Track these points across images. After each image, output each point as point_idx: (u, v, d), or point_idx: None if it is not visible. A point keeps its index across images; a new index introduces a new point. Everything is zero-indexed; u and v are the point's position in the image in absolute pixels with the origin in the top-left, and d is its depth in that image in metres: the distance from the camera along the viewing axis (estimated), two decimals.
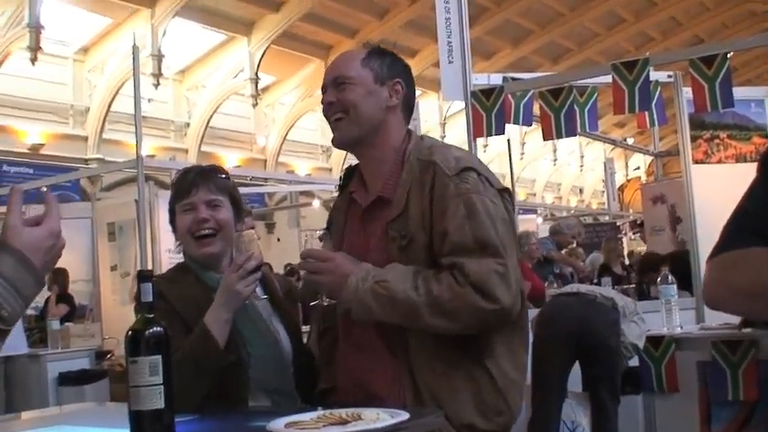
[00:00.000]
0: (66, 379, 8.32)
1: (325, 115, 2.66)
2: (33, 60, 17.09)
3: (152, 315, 1.97)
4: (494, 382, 2.42)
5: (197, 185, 2.81)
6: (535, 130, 20.66)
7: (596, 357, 5.85)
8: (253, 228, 3.12)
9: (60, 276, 10.03)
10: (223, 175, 2.92)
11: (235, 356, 2.58)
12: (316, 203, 17.21)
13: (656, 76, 6.39)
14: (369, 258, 2.52)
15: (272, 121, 25.03)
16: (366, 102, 2.58)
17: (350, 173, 2.76)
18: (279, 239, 21.52)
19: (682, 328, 5.69)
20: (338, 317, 2.60)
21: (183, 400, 2.17)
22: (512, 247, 2.46)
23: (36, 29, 16.79)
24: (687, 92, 6.01)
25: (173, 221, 2.89)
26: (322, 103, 2.67)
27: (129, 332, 1.95)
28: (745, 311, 2.19)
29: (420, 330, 2.40)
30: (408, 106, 2.69)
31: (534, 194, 33.80)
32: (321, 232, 2.66)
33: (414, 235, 2.44)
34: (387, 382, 2.47)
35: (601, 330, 6.08)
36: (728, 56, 5.35)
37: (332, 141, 2.67)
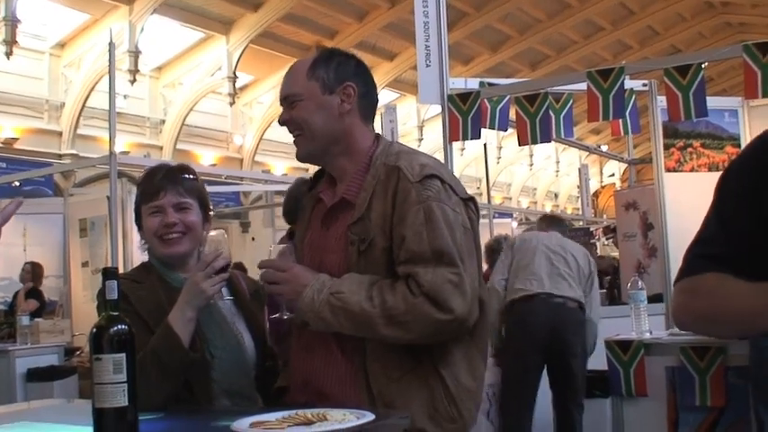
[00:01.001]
0: (35, 375, 8.28)
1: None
2: (9, 54, 17.00)
3: (117, 313, 1.96)
4: (447, 390, 2.40)
5: (165, 188, 2.78)
6: (512, 135, 20.71)
7: (562, 362, 5.88)
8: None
9: (37, 270, 9.99)
10: (191, 176, 2.88)
11: (199, 355, 2.56)
12: None
13: (631, 84, 6.43)
14: (327, 259, 2.51)
15: (249, 120, 24.98)
16: (317, 116, 2.53)
17: (320, 174, 2.73)
18: (253, 239, 21.46)
19: (651, 333, 5.72)
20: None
21: (148, 399, 2.16)
22: (471, 256, 2.43)
23: (12, 22, 16.71)
24: (662, 101, 6.06)
25: (138, 221, 2.86)
26: (278, 121, 2.66)
27: (94, 329, 1.94)
28: (709, 334, 2.28)
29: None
30: (368, 105, 2.62)
31: (510, 198, 33.96)
32: (284, 245, 2.61)
33: (373, 239, 2.41)
34: (338, 383, 2.45)
35: (568, 336, 6.12)
36: (703, 66, 5.39)
37: (295, 156, 2.64)
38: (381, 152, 2.55)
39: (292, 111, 2.56)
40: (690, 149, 6.90)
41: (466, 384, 2.44)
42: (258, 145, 24.79)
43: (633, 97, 6.85)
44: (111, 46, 8.22)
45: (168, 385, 2.48)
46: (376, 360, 2.40)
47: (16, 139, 18.68)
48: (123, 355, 1.90)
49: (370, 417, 2.03)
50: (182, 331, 2.51)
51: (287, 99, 2.59)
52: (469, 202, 2.53)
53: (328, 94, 2.54)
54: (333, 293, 2.38)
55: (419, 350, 2.39)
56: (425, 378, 2.40)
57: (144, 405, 2.00)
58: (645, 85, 7.02)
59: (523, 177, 35.88)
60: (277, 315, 2.55)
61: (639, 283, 5.66)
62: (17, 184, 13.45)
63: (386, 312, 2.32)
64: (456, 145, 6.26)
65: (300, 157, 2.63)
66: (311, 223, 2.66)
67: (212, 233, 2.68)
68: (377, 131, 2.68)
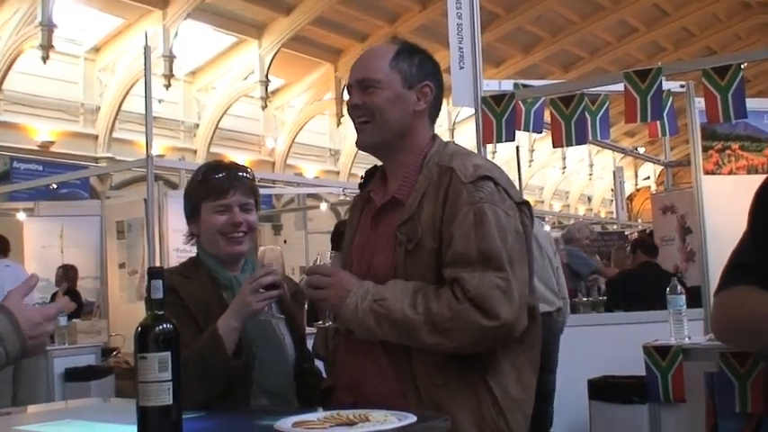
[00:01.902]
0: (72, 374, 8.35)
1: (349, 115, 2.58)
2: (45, 59, 17.15)
3: (162, 312, 1.96)
4: (495, 400, 2.35)
5: (234, 188, 2.80)
6: (544, 138, 20.68)
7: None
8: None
9: (69, 273, 10.07)
10: (250, 176, 2.91)
11: (242, 362, 2.56)
12: (323, 206, 17.24)
13: (668, 85, 6.38)
14: (376, 259, 2.48)
15: (281, 124, 25.09)
16: (393, 107, 2.49)
17: (372, 172, 2.70)
18: (285, 241, 21.54)
19: (690, 338, 5.66)
20: None
21: (188, 399, 2.17)
22: (521, 261, 2.37)
23: (48, 27, 16.86)
24: (699, 102, 6.00)
25: (194, 216, 2.86)
26: (347, 103, 2.59)
27: (139, 328, 1.94)
28: (739, 345, 2.31)
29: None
30: (436, 108, 2.60)
31: (542, 202, 33.80)
32: (333, 253, 2.59)
33: (421, 239, 2.37)
34: (384, 387, 2.43)
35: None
36: (742, 66, 5.33)
37: (356, 143, 2.60)
38: (435, 152, 2.51)
39: (366, 96, 2.51)
40: (728, 152, 6.82)
41: (514, 395, 2.39)
42: (290, 148, 24.88)
43: (670, 98, 6.80)
44: (147, 50, 8.27)
45: (209, 388, 2.48)
46: (422, 365, 2.36)
47: (52, 143, 18.85)
48: (168, 353, 1.91)
49: (411, 419, 2.02)
50: (227, 338, 2.51)
51: (362, 82, 2.52)
52: (524, 206, 2.46)
53: (407, 88, 2.51)
54: (376, 300, 2.34)
55: (466, 358, 2.33)
56: (472, 386, 2.35)
57: (184, 404, 2.00)
58: (682, 86, 6.96)
59: (556, 180, 35.71)
60: (320, 322, 2.54)
61: (678, 287, 5.62)
62: (54, 186, 13.58)
63: (430, 319, 2.28)
64: (488, 148, 6.21)
65: (361, 144, 2.58)
66: (361, 223, 2.63)
67: (270, 247, 2.70)
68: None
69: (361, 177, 2.74)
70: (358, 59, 2.60)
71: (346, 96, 2.67)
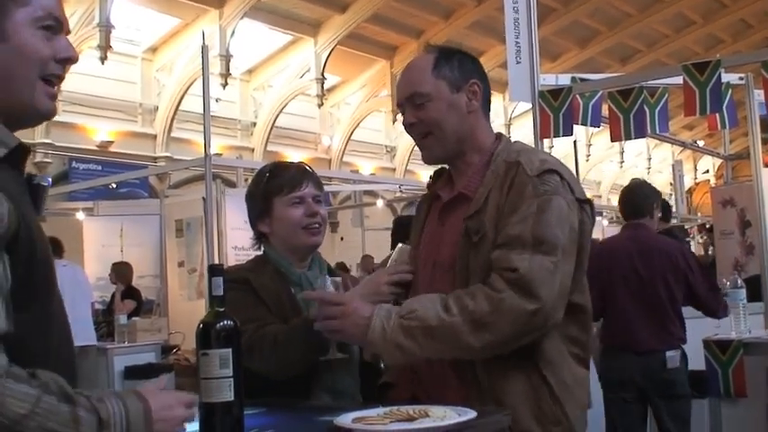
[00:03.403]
0: (132, 372, 8.46)
1: (408, 133, 2.59)
2: (103, 59, 17.36)
3: (223, 309, 1.98)
4: (551, 390, 2.35)
5: (306, 180, 2.87)
6: (601, 132, 20.49)
7: None
8: None
9: (124, 271, 10.18)
10: (314, 172, 2.98)
11: (346, 356, 2.64)
12: (379, 203, 17.27)
13: (727, 77, 6.30)
14: (442, 252, 2.49)
15: (336, 121, 25.17)
16: (449, 116, 2.50)
17: (440, 173, 2.71)
18: (342, 238, 21.63)
19: (750, 332, 5.60)
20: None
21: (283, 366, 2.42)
22: (570, 254, 2.35)
23: (106, 28, 17.08)
24: (759, 94, 5.93)
25: (265, 213, 2.89)
26: (403, 123, 2.58)
27: (200, 325, 1.97)
28: None
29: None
30: (488, 103, 2.61)
31: (600, 196, 33.48)
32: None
33: (486, 232, 2.37)
34: (444, 381, 2.44)
35: None
36: None
37: (423, 159, 2.59)
38: (503, 149, 2.52)
39: (419, 112, 2.52)
40: None
41: (570, 384, 2.40)
42: (346, 145, 24.96)
43: (729, 91, 6.71)
44: (205, 49, 8.35)
45: (301, 362, 2.58)
46: (481, 359, 2.35)
47: (111, 143, 19.10)
48: (229, 350, 1.93)
49: (471, 414, 2.03)
50: None
51: (411, 99, 2.53)
52: (585, 204, 2.46)
53: (456, 92, 2.51)
54: (403, 316, 2.28)
55: (522, 350, 2.32)
56: (529, 378, 2.35)
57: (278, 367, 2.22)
58: (741, 78, 6.88)
59: (614, 175, 35.35)
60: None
61: (739, 281, 5.55)
62: (113, 186, 13.76)
63: (469, 317, 2.24)
64: (545, 143, 6.18)
65: (428, 160, 2.60)
66: (428, 220, 2.65)
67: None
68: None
69: (430, 177, 2.75)
70: (401, 77, 2.62)
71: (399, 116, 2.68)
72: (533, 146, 5.88)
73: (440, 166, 2.71)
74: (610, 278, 5.49)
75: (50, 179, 1.86)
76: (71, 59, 1.75)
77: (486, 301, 2.25)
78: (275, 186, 2.87)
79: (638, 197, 5.75)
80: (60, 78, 1.74)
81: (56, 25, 1.72)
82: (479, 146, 2.55)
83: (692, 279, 5.41)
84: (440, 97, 2.50)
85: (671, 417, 5.37)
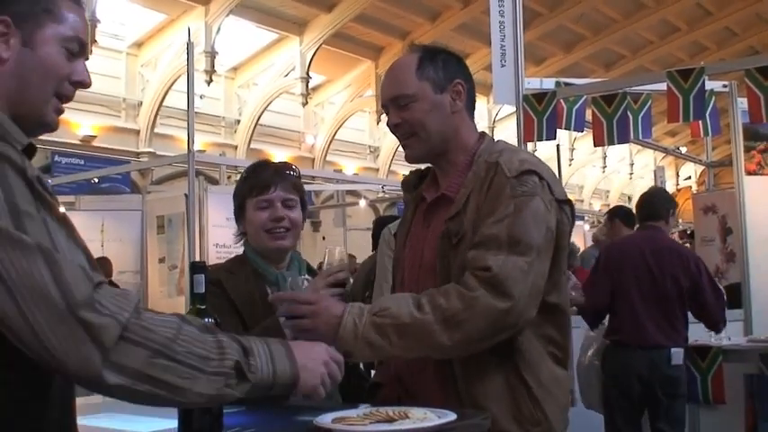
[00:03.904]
0: None
1: (393, 133, 2.59)
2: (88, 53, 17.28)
3: (204, 306, 1.97)
4: (530, 391, 2.36)
5: (275, 183, 2.85)
6: (585, 137, 20.56)
7: None
8: None
9: (104, 266, 10.13)
10: (295, 173, 2.96)
11: None
12: (362, 203, 17.27)
13: (711, 85, 6.33)
14: (426, 253, 2.50)
15: (321, 120, 25.16)
16: (432, 117, 2.49)
17: (425, 173, 2.70)
18: (324, 238, 21.61)
19: (729, 339, 5.63)
20: None
21: None
22: (546, 255, 2.35)
23: (92, 22, 17.00)
24: (742, 102, 5.95)
25: (240, 214, 2.92)
26: (387, 124, 2.59)
27: None
28: None
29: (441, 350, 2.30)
30: (472, 102, 2.61)
31: (582, 201, 33.60)
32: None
33: (466, 233, 2.38)
34: (427, 383, 2.45)
35: None
36: None
37: (405, 158, 2.59)
38: (485, 149, 2.52)
39: (404, 113, 2.51)
40: None
41: (547, 385, 2.40)
42: (330, 145, 24.95)
43: (713, 98, 6.75)
44: (190, 45, 8.32)
45: None
46: (459, 363, 2.37)
47: (94, 137, 19.03)
48: None
49: (451, 416, 2.03)
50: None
51: (396, 100, 2.53)
52: (565, 204, 2.45)
53: (440, 93, 2.51)
54: (376, 313, 2.27)
55: (498, 351, 2.33)
56: (507, 379, 2.36)
57: None
58: (725, 86, 6.91)
59: (596, 179, 35.51)
60: None
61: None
62: (95, 180, 13.70)
63: (441, 315, 2.23)
64: (529, 146, 6.20)
65: (414, 160, 2.59)
66: (414, 222, 2.65)
67: (337, 247, 2.65)
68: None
69: (405, 177, 2.75)
70: (385, 78, 2.61)
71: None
72: None
73: (415, 167, 2.72)
74: (621, 275, 5.55)
75: None
76: (83, 83, 1.79)
77: (458, 299, 2.24)
78: (247, 188, 2.90)
79: (657, 201, 5.81)
80: (69, 99, 1.78)
81: (79, 49, 1.76)
82: (463, 145, 2.55)
83: (701, 284, 5.44)
84: (424, 98, 2.50)
85: (669, 418, 5.39)
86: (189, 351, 1.55)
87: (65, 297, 1.45)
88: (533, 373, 2.38)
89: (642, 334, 5.40)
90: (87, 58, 1.80)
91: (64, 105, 1.78)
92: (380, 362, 2.70)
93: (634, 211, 6.20)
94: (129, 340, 1.48)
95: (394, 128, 2.55)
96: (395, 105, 2.53)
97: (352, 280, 2.83)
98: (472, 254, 2.31)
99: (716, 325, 5.50)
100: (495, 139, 2.62)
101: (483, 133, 2.63)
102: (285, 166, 3.00)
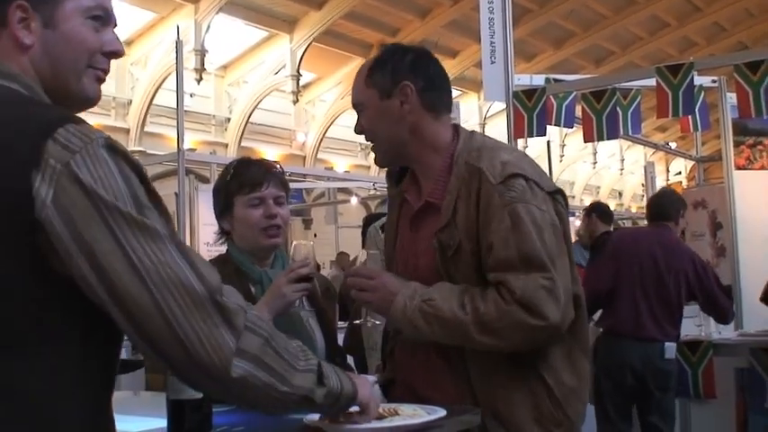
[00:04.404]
0: None
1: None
2: None
3: None
4: (551, 392, 2.37)
5: (268, 180, 2.84)
6: (575, 133, 20.57)
7: None
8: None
9: None
10: (281, 170, 2.96)
11: (378, 321, 2.64)
12: (353, 200, 17.27)
13: (700, 80, 6.33)
14: (419, 262, 2.49)
15: (311, 118, 25.15)
16: (379, 124, 2.51)
17: (404, 169, 2.67)
18: (315, 235, 21.58)
19: (720, 333, 5.65)
20: None
21: None
22: (561, 254, 2.36)
23: None
24: (731, 97, 5.97)
25: (226, 211, 2.89)
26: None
27: None
28: None
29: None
30: (433, 97, 2.52)
31: (573, 197, 33.63)
32: (370, 252, 2.64)
33: (460, 243, 2.37)
34: (437, 388, 2.44)
35: None
36: None
37: (374, 162, 2.65)
38: (463, 148, 2.48)
39: (361, 118, 2.55)
40: (760, 147, 6.79)
41: (570, 385, 2.41)
42: (320, 142, 24.94)
43: (702, 94, 6.76)
44: (179, 44, 8.30)
45: None
46: (476, 365, 2.39)
47: None
48: None
49: (441, 412, 2.04)
50: None
51: (355, 107, 2.58)
52: (557, 194, 2.45)
53: (386, 98, 2.48)
54: (425, 301, 2.35)
55: (519, 354, 2.36)
56: (528, 381, 2.38)
57: None
58: (714, 81, 6.93)
59: (587, 175, 35.56)
60: (360, 321, 2.56)
61: None
62: None
63: (478, 319, 2.29)
64: (519, 143, 6.20)
65: (380, 165, 2.63)
66: (400, 224, 2.64)
67: (302, 242, 2.69)
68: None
69: (387, 173, 2.74)
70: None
71: None
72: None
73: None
74: (627, 263, 5.61)
75: None
76: (117, 53, 1.73)
77: (495, 308, 2.29)
78: (236, 185, 2.86)
79: (667, 201, 5.93)
80: (105, 72, 1.73)
81: (104, 16, 1.71)
82: (434, 146, 2.51)
83: (708, 285, 5.51)
84: (370, 106, 2.51)
85: (661, 411, 5.43)
86: (284, 347, 1.59)
87: (203, 283, 1.47)
88: (554, 374, 2.40)
89: (639, 325, 5.45)
90: (116, 25, 1.75)
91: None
92: (390, 354, 2.70)
93: (646, 210, 6.29)
94: (248, 328, 1.51)
95: (360, 133, 2.58)
96: (356, 111, 2.57)
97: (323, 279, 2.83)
98: (492, 277, 2.34)
99: (725, 316, 5.63)
100: (471, 133, 2.58)
101: (456, 127, 2.58)
102: (272, 164, 2.99)
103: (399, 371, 2.58)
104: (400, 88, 2.47)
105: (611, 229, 8.00)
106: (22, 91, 1.57)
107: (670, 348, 5.38)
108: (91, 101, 1.71)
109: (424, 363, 2.49)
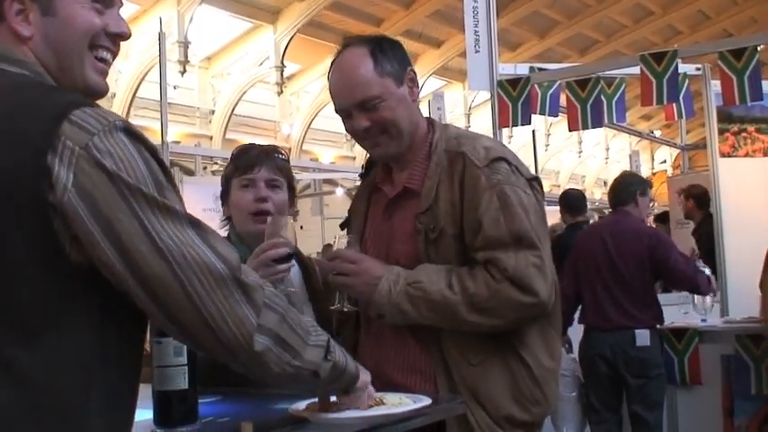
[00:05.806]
0: None
1: (359, 139, 2.52)
2: None
3: None
4: (530, 372, 2.39)
5: (260, 163, 2.79)
6: (561, 122, 20.58)
7: None
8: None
9: None
10: (283, 156, 2.91)
11: (356, 308, 2.58)
12: (339, 191, 17.29)
13: (684, 68, 6.35)
14: (395, 249, 2.48)
15: (296, 110, 25.08)
16: (403, 112, 2.46)
17: (373, 161, 2.68)
18: (302, 227, 21.54)
19: (705, 321, 5.67)
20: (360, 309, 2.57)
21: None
22: (545, 237, 2.41)
23: None
24: (715, 85, 5.98)
25: (225, 196, 2.86)
26: (352, 129, 2.49)
27: None
28: None
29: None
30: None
31: (558, 186, 33.63)
32: (349, 236, 2.57)
33: (443, 227, 2.38)
34: (412, 372, 2.45)
35: None
36: (758, 49, 5.31)
37: (374, 156, 2.58)
38: (440, 137, 2.50)
39: (372, 114, 2.42)
40: (744, 134, 6.80)
41: (547, 365, 2.44)
42: (306, 134, 24.89)
43: (686, 81, 6.78)
44: (162, 36, 8.29)
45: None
46: (454, 347, 2.39)
47: None
48: None
49: (426, 401, 2.04)
50: None
51: (362, 105, 2.43)
52: (534, 182, 2.48)
53: (400, 85, 2.46)
54: (410, 284, 2.35)
55: (496, 334, 2.37)
56: (506, 362, 2.39)
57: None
58: (698, 69, 6.94)
59: (572, 165, 35.62)
60: (337, 306, 2.51)
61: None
62: None
63: (468, 299, 2.30)
64: (504, 132, 6.22)
65: (386, 158, 2.55)
66: (371, 213, 2.62)
67: (277, 216, 2.59)
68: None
69: (362, 167, 2.75)
70: (339, 82, 2.51)
71: None
72: (492, 135, 5.91)
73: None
74: (584, 261, 5.66)
75: None
76: (123, 35, 1.71)
77: (485, 287, 2.30)
78: (232, 168, 2.84)
79: (621, 185, 5.87)
80: (113, 53, 1.71)
81: None
82: (420, 134, 2.53)
83: (662, 255, 5.48)
84: (390, 95, 2.43)
85: (641, 398, 5.44)
86: (298, 322, 1.63)
87: (225, 262, 1.49)
88: (532, 354, 2.42)
89: (602, 316, 5.50)
90: (122, 5, 1.72)
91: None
92: (356, 352, 2.60)
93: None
94: (266, 304, 1.55)
95: (364, 132, 2.47)
96: (361, 109, 2.44)
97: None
98: (481, 255, 2.34)
99: (696, 288, 5.55)
100: (444, 125, 2.60)
101: (430, 119, 2.59)
102: (273, 148, 2.95)
103: (368, 360, 2.41)
104: (408, 74, 2.50)
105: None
106: (32, 77, 1.56)
107: (641, 335, 5.38)
108: (95, 91, 1.68)
109: (397, 348, 2.48)
